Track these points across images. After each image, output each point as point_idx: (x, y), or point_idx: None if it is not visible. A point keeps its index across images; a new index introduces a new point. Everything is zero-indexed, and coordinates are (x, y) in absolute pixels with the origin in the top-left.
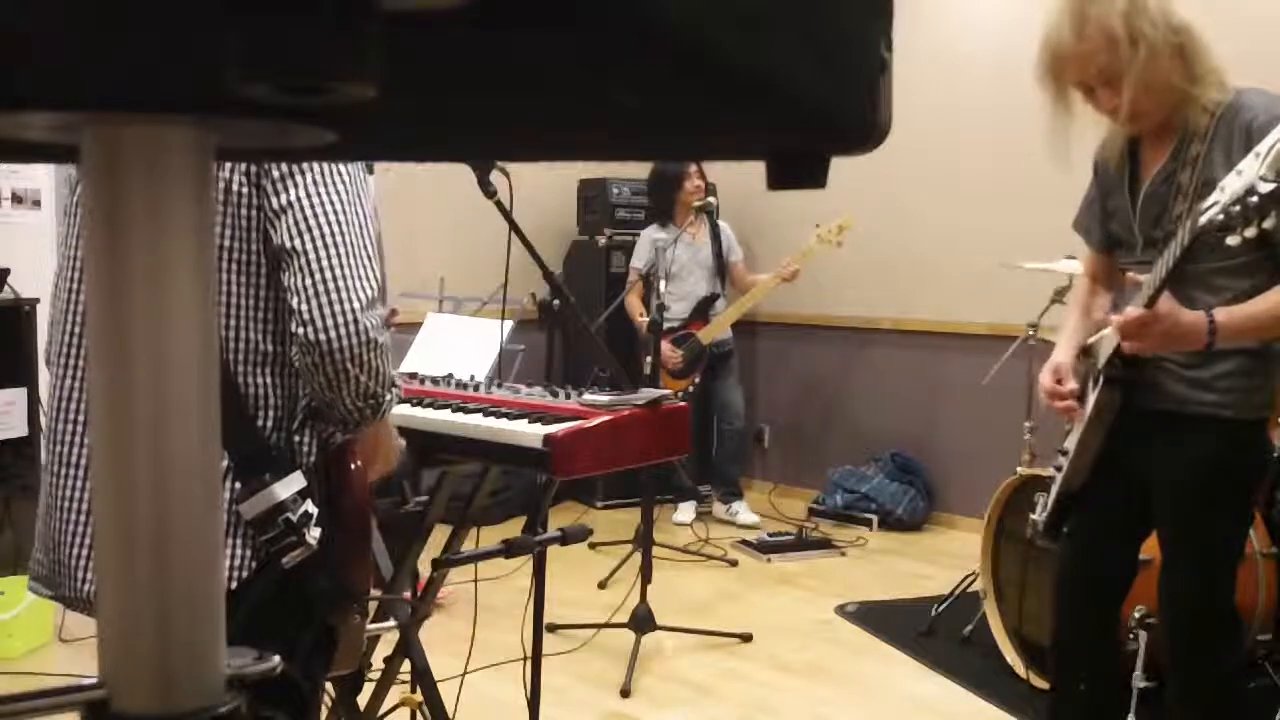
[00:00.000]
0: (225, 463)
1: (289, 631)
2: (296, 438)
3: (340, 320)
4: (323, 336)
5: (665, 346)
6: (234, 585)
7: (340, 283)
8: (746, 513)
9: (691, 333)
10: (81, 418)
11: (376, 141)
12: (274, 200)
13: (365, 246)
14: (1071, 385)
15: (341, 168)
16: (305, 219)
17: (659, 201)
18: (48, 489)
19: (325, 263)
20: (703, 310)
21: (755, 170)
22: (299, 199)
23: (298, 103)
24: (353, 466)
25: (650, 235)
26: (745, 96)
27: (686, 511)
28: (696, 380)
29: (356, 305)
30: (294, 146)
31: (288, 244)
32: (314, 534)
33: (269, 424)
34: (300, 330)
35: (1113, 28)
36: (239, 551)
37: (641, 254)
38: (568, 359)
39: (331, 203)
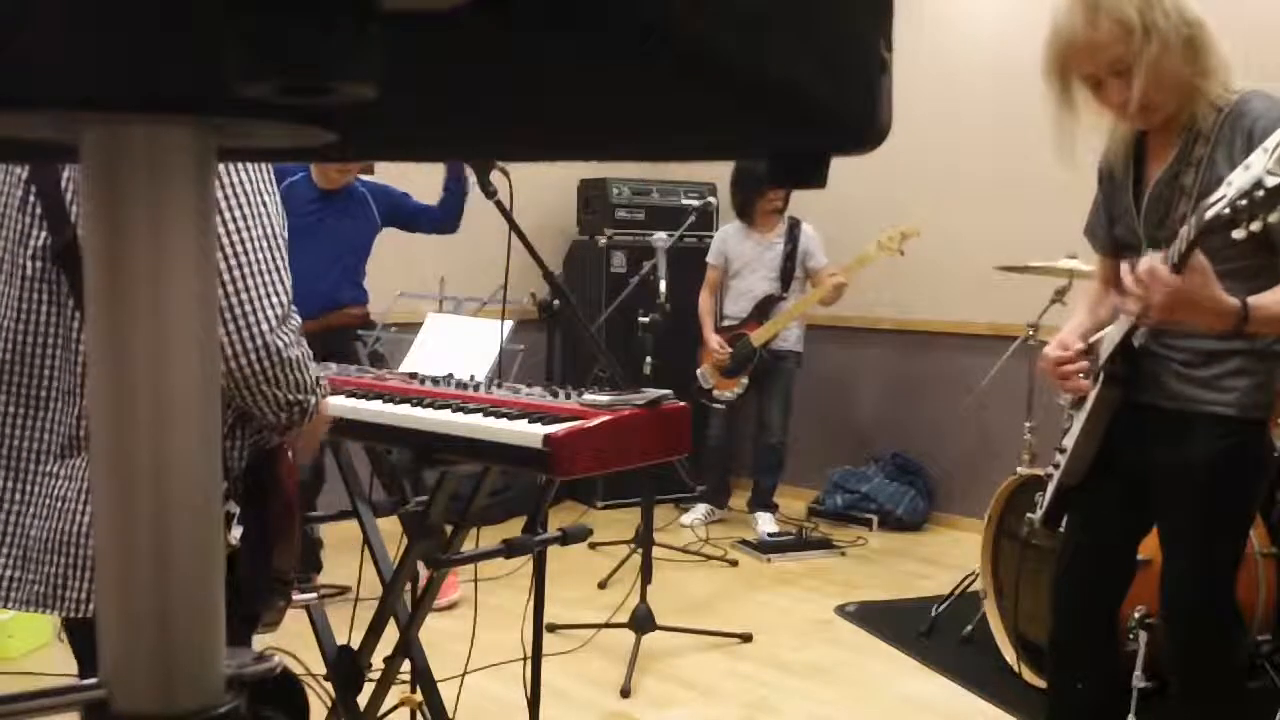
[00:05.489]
0: None
1: None
2: (226, 443)
3: (250, 346)
4: (233, 365)
5: (715, 341)
6: None
7: (247, 305)
8: (768, 523)
9: (744, 333)
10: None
11: (377, 141)
12: None
13: (272, 253)
14: (1079, 346)
15: (242, 166)
16: None
17: (737, 201)
18: None
19: (229, 283)
20: (763, 310)
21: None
22: None
23: (298, 103)
24: (285, 463)
25: (722, 231)
26: (745, 96)
27: (696, 514)
28: (744, 382)
29: (265, 327)
30: (294, 146)
31: None
32: (235, 533)
33: None
34: None
35: (1127, 17)
36: None
37: (712, 248)
38: (567, 359)
39: (233, 209)
